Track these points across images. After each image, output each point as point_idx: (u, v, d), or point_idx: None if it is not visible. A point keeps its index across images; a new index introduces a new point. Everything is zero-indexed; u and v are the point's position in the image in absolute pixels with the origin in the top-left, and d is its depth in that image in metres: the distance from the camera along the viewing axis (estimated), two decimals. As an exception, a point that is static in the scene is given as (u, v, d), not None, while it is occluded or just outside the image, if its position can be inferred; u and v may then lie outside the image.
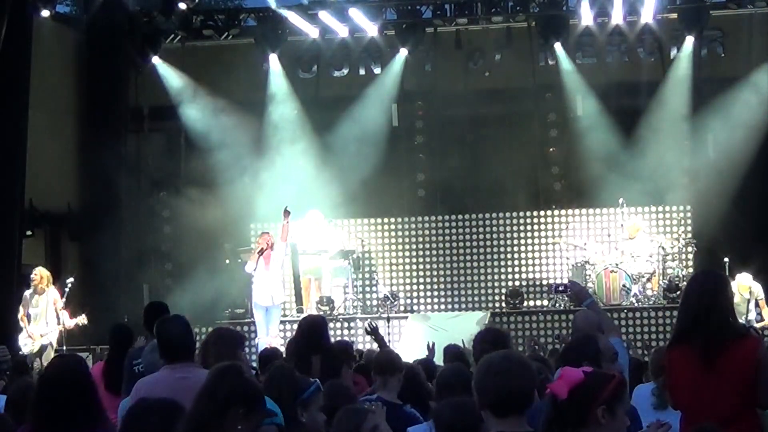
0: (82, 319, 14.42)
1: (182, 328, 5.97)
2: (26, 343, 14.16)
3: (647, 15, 18.52)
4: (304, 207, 17.03)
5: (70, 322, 14.28)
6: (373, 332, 8.92)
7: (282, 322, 15.66)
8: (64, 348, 14.09)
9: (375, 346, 10.55)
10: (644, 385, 7.05)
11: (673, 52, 19.08)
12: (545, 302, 16.93)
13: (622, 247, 16.50)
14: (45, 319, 14.11)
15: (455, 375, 5.71)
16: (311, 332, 7.75)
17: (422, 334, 14.55)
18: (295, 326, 8.38)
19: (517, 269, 17.92)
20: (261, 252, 14.92)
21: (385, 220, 18.25)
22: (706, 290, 5.34)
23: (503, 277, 17.92)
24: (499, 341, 5.84)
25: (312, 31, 19.20)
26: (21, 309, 14.21)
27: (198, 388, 5.25)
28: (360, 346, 13.62)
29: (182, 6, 19.00)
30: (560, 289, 4.82)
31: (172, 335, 5.93)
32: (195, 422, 3.84)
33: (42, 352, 13.93)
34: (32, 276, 14.18)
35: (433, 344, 9.70)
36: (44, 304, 14.11)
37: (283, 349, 10.39)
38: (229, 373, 4.05)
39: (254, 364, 9.09)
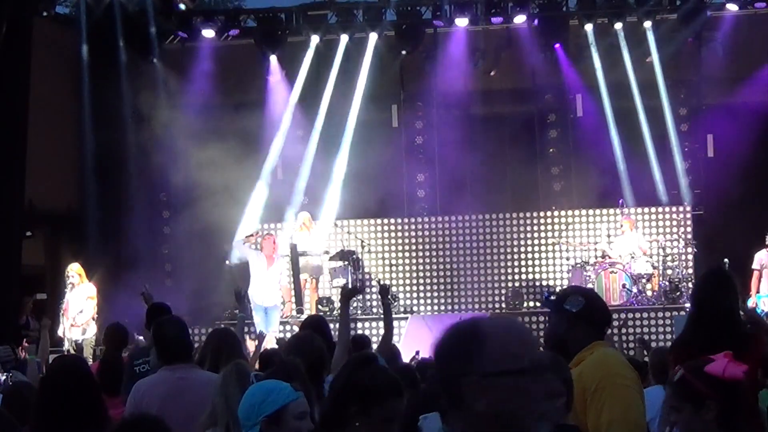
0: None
1: (179, 329, 5.99)
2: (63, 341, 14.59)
3: (647, 15, 18.51)
4: (303, 207, 17.02)
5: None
6: (382, 294, 8.56)
7: (282, 322, 15.67)
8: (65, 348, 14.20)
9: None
10: (652, 388, 6.79)
11: (673, 52, 19.07)
12: (545, 303, 16.90)
13: (620, 245, 16.49)
14: (75, 314, 14.51)
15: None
16: (317, 332, 7.70)
17: (422, 335, 14.53)
18: (296, 327, 8.37)
19: (517, 270, 17.89)
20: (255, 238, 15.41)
21: (385, 220, 18.22)
22: (715, 290, 5.33)
23: (503, 277, 17.90)
24: None
25: (311, 32, 19.19)
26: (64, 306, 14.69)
27: (197, 388, 5.26)
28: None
29: (182, 6, 18.99)
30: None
31: (169, 336, 5.96)
32: (319, 424, 3.81)
33: (80, 350, 14.17)
34: (66, 274, 14.73)
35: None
36: (75, 299, 14.56)
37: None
38: (344, 368, 3.99)
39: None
